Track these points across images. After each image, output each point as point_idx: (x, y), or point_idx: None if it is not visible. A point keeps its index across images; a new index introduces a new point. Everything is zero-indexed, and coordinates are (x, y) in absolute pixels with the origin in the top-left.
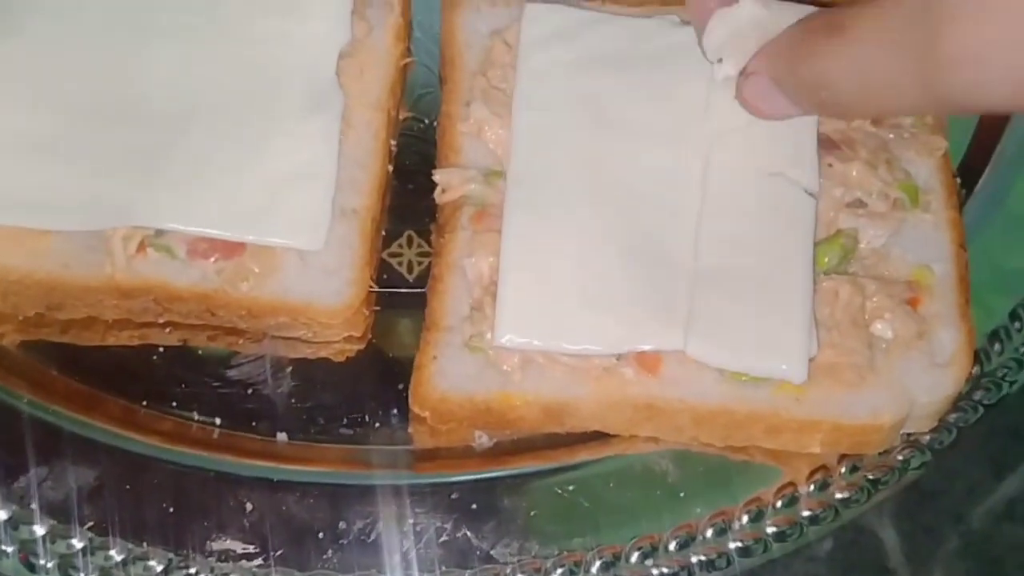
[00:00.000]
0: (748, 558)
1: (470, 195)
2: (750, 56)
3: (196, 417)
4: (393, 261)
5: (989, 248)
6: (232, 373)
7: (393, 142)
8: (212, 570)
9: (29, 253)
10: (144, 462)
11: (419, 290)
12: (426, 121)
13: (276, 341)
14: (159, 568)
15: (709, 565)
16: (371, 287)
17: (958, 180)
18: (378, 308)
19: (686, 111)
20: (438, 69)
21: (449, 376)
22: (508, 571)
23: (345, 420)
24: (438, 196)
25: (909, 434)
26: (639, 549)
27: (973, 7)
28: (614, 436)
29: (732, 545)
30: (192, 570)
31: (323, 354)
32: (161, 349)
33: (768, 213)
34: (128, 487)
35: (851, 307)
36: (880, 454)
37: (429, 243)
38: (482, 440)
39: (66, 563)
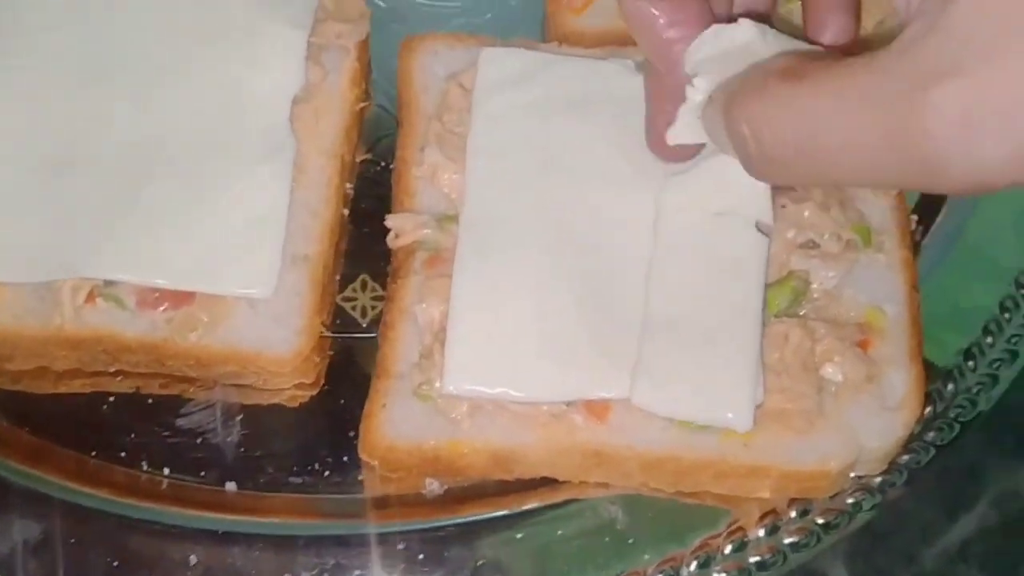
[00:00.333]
0: None
1: (423, 240)
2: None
3: (145, 467)
4: (347, 305)
5: (945, 285)
6: (182, 422)
7: (349, 185)
8: None
9: None
10: (91, 514)
11: (372, 335)
12: (383, 164)
13: (228, 388)
14: None
15: None
16: (323, 333)
17: (915, 218)
18: (332, 353)
19: (641, 155)
20: (396, 111)
21: (398, 424)
22: None
23: (295, 468)
24: (391, 241)
25: (860, 476)
26: None
27: (963, 59)
28: (564, 482)
29: None
30: None
31: (275, 400)
32: (111, 398)
33: (719, 258)
34: (74, 540)
35: (801, 351)
36: (831, 497)
37: (383, 287)
38: (433, 487)
39: None
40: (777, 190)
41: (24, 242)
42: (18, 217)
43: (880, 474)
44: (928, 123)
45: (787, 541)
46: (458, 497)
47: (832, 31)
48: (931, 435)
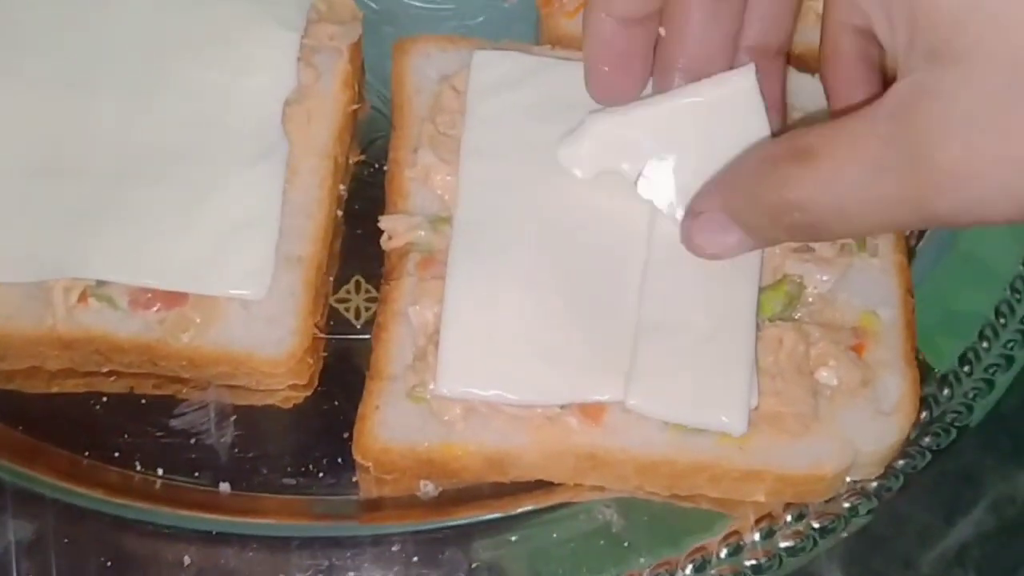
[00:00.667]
0: None
1: (416, 242)
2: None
3: (138, 468)
4: (341, 307)
5: (940, 290)
6: (175, 423)
7: (343, 187)
8: None
9: None
10: (85, 515)
11: (366, 336)
12: (377, 166)
13: (221, 389)
14: None
15: None
16: (316, 335)
17: None
18: (326, 355)
19: None
20: (390, 113)
21: (391, 426)
22: None
23: (289, 469)
24: (384, 243)
25: (856, 481)
26: None
27: (961, 124)
28: (558, 485)
29: None
30: None
31: (269, 401)
32: (104, 399)
33: (714, 261)
34: (67, 540)
35: (795, 354)
36: (826, 501)
37: (377, 288)
38: (427, 489)
39: None
40: None
41: (16, 242)
42: (10, 218)
43: (876, 479)
44: (936, 184)
45: (783, 545)
46: (452, 499)
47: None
48: (927, 440)
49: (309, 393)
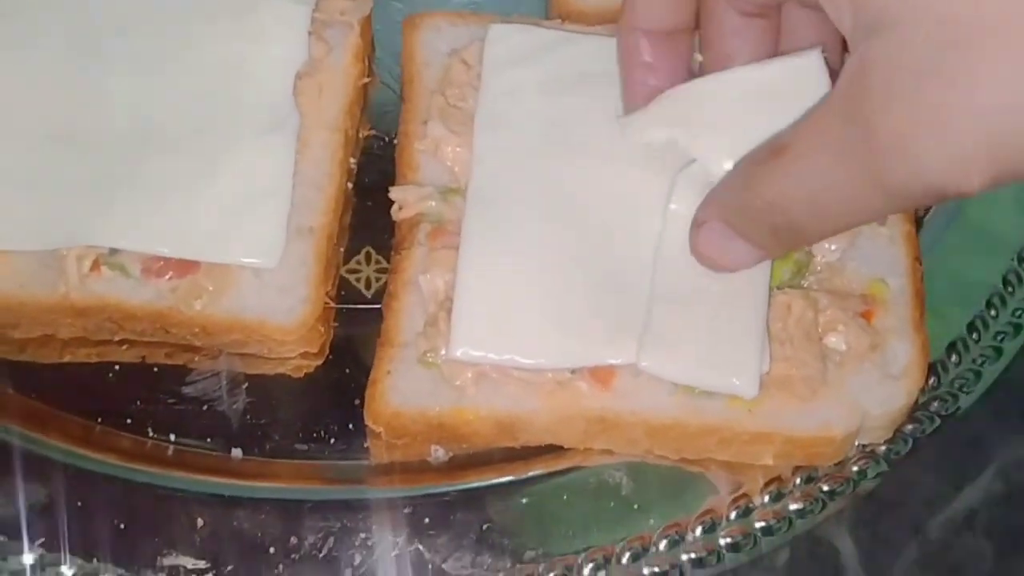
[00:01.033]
0: (702, 569)
1: (427, 212)
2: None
3: (151, 434)
4: (351, 277)
5: (948, 259)
6: (187, 390)
7: (353, 160)
8: None
9: None
10: (97, 479)
11: (376, 306)
12: (387, 139)
13: (233, 357)
14: None
15: None
16: (327, 304)
17: None
18: (336, 324)
19: None
20: (399, 88)
21: (402, 391)
22: None
23: (301, 435)
24: (395, 213)
25: (865, 445)
26: (592, 561)
27: (900, 89)
28: (569, 449)
29: (685, 556)
30: None
31: (281, 370)
32: (117, 367)
33: None
34: (80, 504)
35: (804, 321)
36: (835, 465)
37: (387, 259)
38: (438, 454)
39: None
40: None
41: (29, 211)
42: (23, 186)
43: (885, 443)
44: (886, 155)
45: (792, 507)
46: (463, 464)
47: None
48: (935, 405)
49: (320, 362)
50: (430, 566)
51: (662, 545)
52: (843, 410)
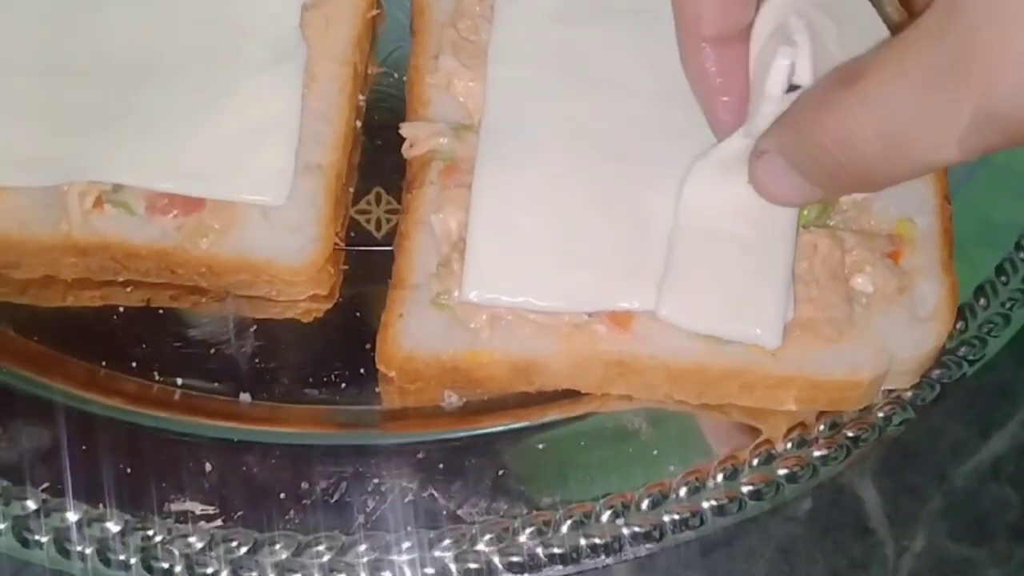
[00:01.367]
0: (723, 517)
1: (439, 149)
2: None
3: (157, 377)
4: (361, 218)
5: (975, 201)
6: (194, 332)
7: (362, 97)
8: (170, 531)
9: None
10: (101, 423)
11: (387, 248)
12: (396, 75)
13: (240, 300)
14: (115, 530)
15: (682, 524)
16: (337, 245)
17: None
18: (346, 267)
19: (668, 65)
20: (409, 22)
21: (415, 334)
22: (475, 531)
23: (311, 380)
24: (406, 151)
25: (891, 391)
26: (610, 508)
27: (1013, 7)
28: (586, 394)
29: (706, 504)
30: (149, 532)
31: (290, 314)
32: (121, 309)
33: None
34: (84, 448)
35: (830, 261)
36: (860, 411)
37: (398, 200)
38: (451, 400)
39: (20, 525)
40: None
41: (29, 146)
42: (22, 121)
43: (911, 388)
44: (993, 72)
45: (816, 454)
46: (477, 410)
47: None
48: (963, 350)
49: (330, 305)
50: (444, 512)
51: (682, 492)
52: (870, 353)
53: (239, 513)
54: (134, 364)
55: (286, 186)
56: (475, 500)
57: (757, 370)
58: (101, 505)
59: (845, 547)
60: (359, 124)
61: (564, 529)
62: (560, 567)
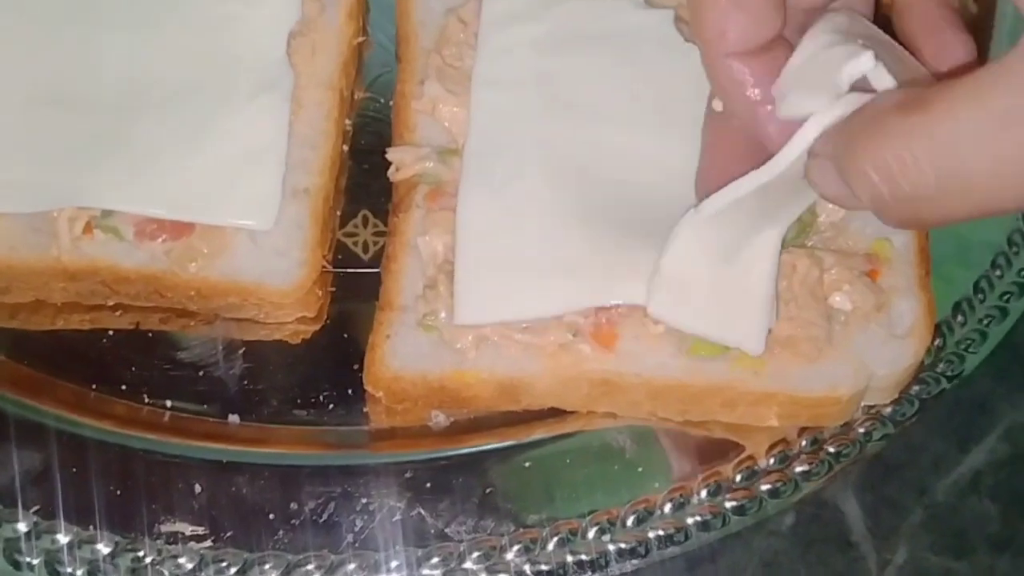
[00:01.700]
0: (707, 532)
1: (424, 173)
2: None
3: (146, 400)
4: (348, 241)
5: None
6: (183, 355)
7: (348, 122)
8: (160, 552)
9: None
10: (92, 445)
11: (374, 270)
12: (382, 100)
13: (229, 323)
14: (106, 551)
15: (667, 540)
16: (324, 268)
17: None
18: (333, 289)
19: (647, 91)
20: (395, 49)
21: (402, 355)
22: (463, 549)
23: (299, 401)
24: (392, 175)
25: (871, 407)
26: (596, 525)
27: None
28: (571, 412)
29: (690, 520)
30: (140, 553)
31: (278, 336)
32: (111, 332)
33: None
34: (75, 470)
35: (808, 280)
36: (841, 427)
37: (385, 223)
38: (439, 419)
39: (11, 547)
40: None
41: (21, 172)
42: (13, 147)
43: (891, 404)
44: None
45: (798, 470)
46: (464, 429)
47: (953, 53)
48: (941, 366)
49: (318, 327)
50: (432, 531)
51: (667, 508)
52: (849, 370)
53: (229, 533)
54: (124, 387)
55: (274, 210)
56: (463, 518)
57: (739, 387)
58: (92, 527)
59: (828, 561)
60: (346, 148)
61: (551, 546)
62: None
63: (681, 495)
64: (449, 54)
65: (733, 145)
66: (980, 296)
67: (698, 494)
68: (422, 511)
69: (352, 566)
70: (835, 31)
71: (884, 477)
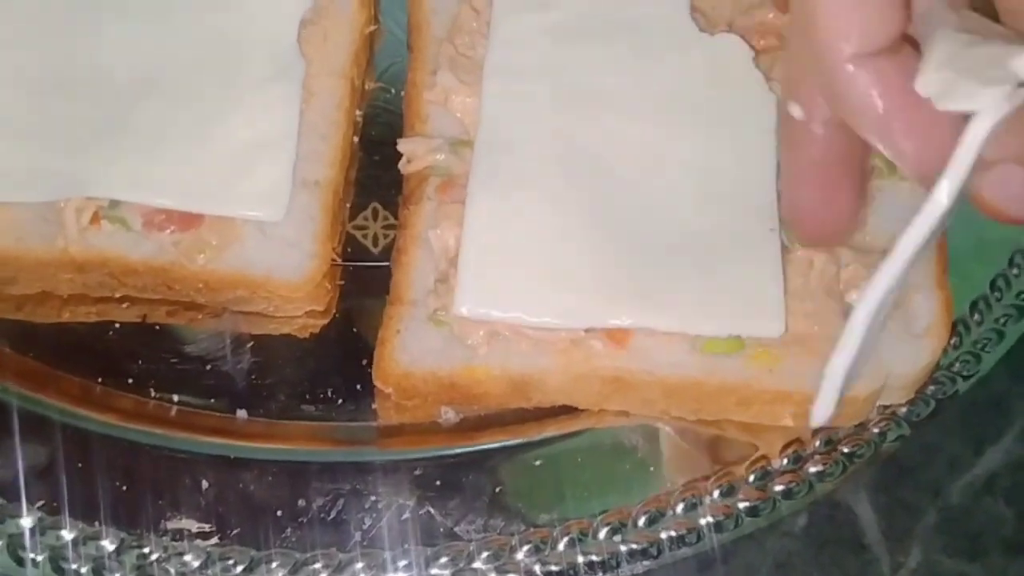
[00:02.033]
0: (720, 533)
1: (436, 165)
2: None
3: (153, 394)
4: (358, 234)
5: (970, 217)
6: (190, 349)
7: (359, 112)
8: (166, 549)
9: None
10: (97, 440)
11: (384, 264)
12: (393, 91)
13: (237, 316)
14: (111, 548)
15: (679, 541)
16: (334, 261)
17: None
18: (343, 282)
19: (663, 81)
20: (406, 38)
21: (413, 351)
22: (472, 548)
23: (307, 396)
24: (403, 166)
25: (886, 406)
26: (607, 525)
27: None
28: (583, 410)
29: (703, 520)
30: (145, 550)
31: (286, 330)
32: (117, 325)
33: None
34: (80, 465)
35: (825, 276)
36: (855, 427)
37: (395, 216)
38: (448, 416)
39: (15, 543)
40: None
41: (26, 161)
42: (20, 136)
43: (906, 404)
44: None
45: (812, 470)
46: (474, 426)
47: None
48: (957, 365)
49: (327, 321)
50: (441, 529)
51: (679, 508)
52: (865, 369)
53: (235, 531)
54: (130, 380)
55: (283, 202)
56: (472, 517)
57: (754, 385)
58: (97, 523)
59: (841, 563)
60: (356, 139)
61: (561, 546)
62: None
63: (694, 495)
64: (462, 43)
65: (821, 156)
66: (997, 294)
67: (711, 494)
68: (431, 509)
69: (360, 565)
70: (961, 28)
71: (898, 478)
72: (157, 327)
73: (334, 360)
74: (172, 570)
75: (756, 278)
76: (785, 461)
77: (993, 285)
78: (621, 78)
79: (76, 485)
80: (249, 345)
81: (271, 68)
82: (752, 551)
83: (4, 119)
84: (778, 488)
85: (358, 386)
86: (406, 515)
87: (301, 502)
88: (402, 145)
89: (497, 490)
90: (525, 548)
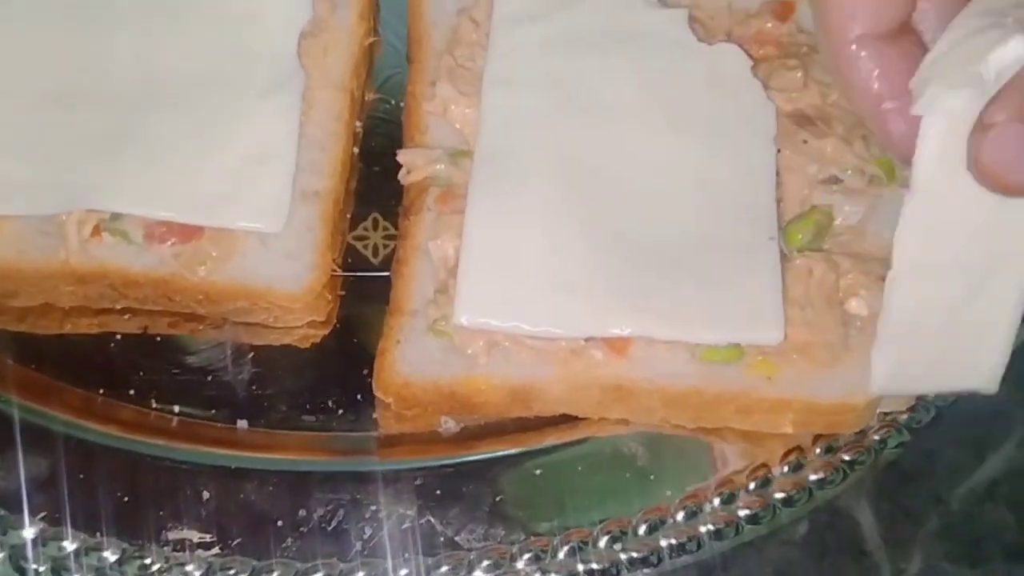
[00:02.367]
0: (720, 541)
1: (435, 176)
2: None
3: (154, 405)
4: (359, 244)
5: None
6: (191, 360)
7: (359, 123)
8: (167, 560)
9: None
10: (99, 451)
11: (384, 274)
12: (393, 102)
13: (238, 327)
14: (113, 559)
15: (679, 549)
16: (335, 271)
17: None
18: (343, 293)
19: (662, 91)
20: (406, 49)
21: (413, 361)
22: (473, 557)
23: (308, 407)
24: (403, 177)
25: (886, 413)
26: (607, 533)
27: None
28: (583, 419)
29: (703, 528)
30: (147, 560)
31: (287, 341)
32: (119, 337)
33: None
34: (82, 476)
35: (824, 285)
36: (856, 434)
37: (395, 226)
38: (448, 425)
39: (17, 554)
40: (798, 124)
41: (28, 174)
42: (22, 149)
43: (907, 411)
44: None
45: (812, 478)
46: (474, 435)
47: None
48: None
49: (327, 331)
50: (442, 538)
51: (679, 516)
52: (866, 376)
53: (237, 541)
54: (131, 391)
55: (283, 213)
56: (473, 526)
57: (753, 394)
58: (98, 534)
59: (842, 570)
60: (356, 150)
61: (562, 555)
62: None
63: (694, 503)
64: (461, 55)
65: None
66: None
67: (711, 502)
68: (432, 518)
69: (361, 574)
70: (986, 13)
71: (899, 485)
72: (158, 338)
73: (335, 370)
74: None
75: (755, 286)
76: (785, 468)
77: None
78: (620, 88)
79: (78, 496)
80: (250, 356)
81: (271, 80)
82: (752, 559)
83: (6, 132)
84: (778, 495)
85: (359, 396)
86: (407, 524)
87: (302, 512)
88: (402, 156)
89: (497, 499)
90: (526, 557)
